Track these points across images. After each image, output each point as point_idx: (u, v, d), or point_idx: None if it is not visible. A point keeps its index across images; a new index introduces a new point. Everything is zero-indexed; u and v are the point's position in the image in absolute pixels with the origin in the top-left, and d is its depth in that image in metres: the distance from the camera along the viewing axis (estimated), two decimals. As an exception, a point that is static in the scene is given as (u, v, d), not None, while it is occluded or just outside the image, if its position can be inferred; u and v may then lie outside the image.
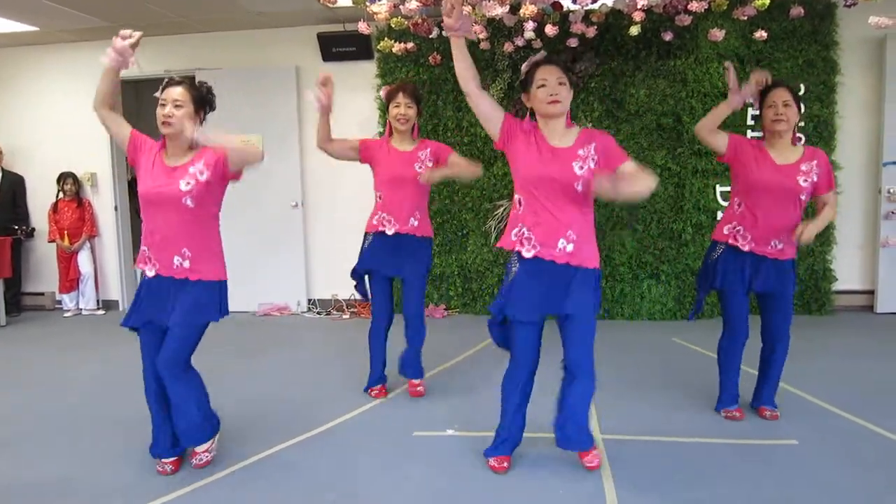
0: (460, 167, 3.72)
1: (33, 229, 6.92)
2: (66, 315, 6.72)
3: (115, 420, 3.63)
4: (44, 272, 7.05)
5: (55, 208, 6.70)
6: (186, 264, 2.81)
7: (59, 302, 6.94)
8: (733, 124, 5.67)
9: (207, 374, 3.05)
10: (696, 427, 3.28)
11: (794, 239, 3.11)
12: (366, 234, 3.82)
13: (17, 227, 6.70)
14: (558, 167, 2.65)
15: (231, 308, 3.02)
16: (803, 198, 3.15)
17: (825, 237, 5.74)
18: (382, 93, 3.89)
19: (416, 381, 3.93)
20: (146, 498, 2.72)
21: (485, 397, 3.87)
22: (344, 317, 6.31)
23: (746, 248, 3.21)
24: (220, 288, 2.92)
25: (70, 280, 6.70)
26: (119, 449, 3.23)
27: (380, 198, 3.76)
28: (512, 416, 2.88)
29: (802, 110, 5.58)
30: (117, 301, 6.98)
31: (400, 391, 3.98)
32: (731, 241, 3.26)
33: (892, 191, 5.68)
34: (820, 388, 3.77)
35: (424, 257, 3.82)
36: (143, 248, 2.88)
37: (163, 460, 2.96)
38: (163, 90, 2.83)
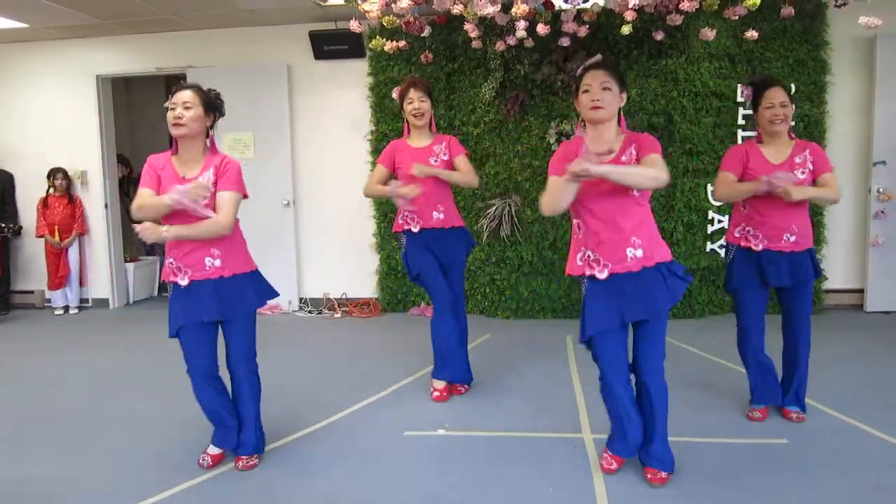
0: (459, 174, 3.71)
1: (21, 227, 6.86)
2: (56, 313, 6.68)
3: (104, 419, 3.62)
4: (33, 270, 7.00)
5: (45, 203, 6.64)
6: (218, 263, 2.83)
7: (49, 300, 6.90)
8: (724, 123, 5.70)
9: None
10: (685, 426, 3.29)
11: (780, 192, 3.03)
12: (396, 234, 3.82)
13: (4, 225, 6.65)
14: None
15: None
16: None
17: (816, 236, 5.77)
18: (395, 93, 3.88)
19: (459, 385, 3.91)
20: (137, 497, 2.71)
21: (476, 396, 3.88)
22: (335, 316, 6.30)
23: (760, 248, 3.22)
24: (256, 275, 2.98)
25: (60, 277, 6.66)
26: (108, 448, 3.22)
27: None
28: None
29: (793, 109, 5.70)
30: (107, 299, 6.94)
31: (391, 391, 3.97)
32: (742, 243, 3.27)
33: (881, 190, 5.71)
34: (810, 387, 3.76)
35: (458, 245, 3.79)
36: (168, 260, 2.87)
37: (209, 452, 3.03)
38: (172, 95, 2.83)
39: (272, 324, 6.03)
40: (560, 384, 4.03)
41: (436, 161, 3.69)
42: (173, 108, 2.80)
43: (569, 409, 3.61)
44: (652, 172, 2.50)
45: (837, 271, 5.94)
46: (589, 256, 2.67)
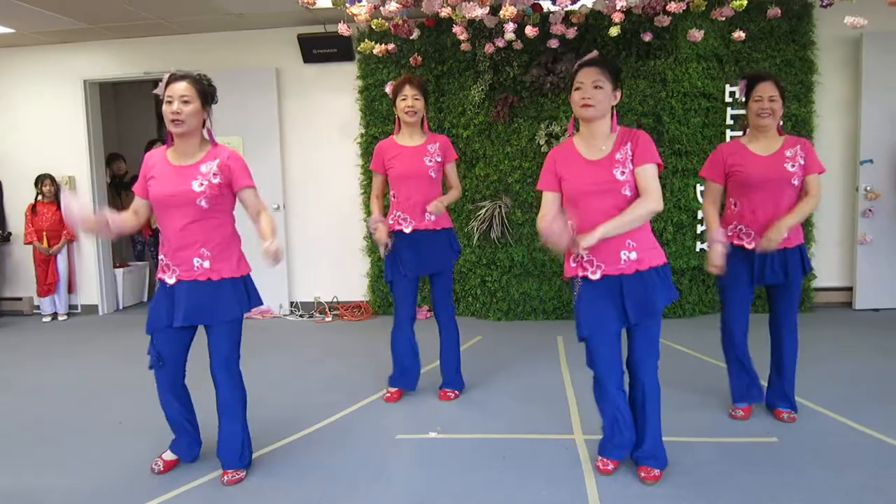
0: (454, 192, 3.78)
1: (10, 234, 6.82)
2: (45, 320, 6.63)
3: (93, 426, 3.59)
4: (21, 276, 6.95)
5: (33, 210, 6.59)
6: (206, 264, 2.73)
7: (38, 307, 6.85)
8: (712, 124, 5.73)
9: (189, 377, 3.01)
10: (676, 426, 3.29)
11: (768, 239, 3.08)
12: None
13: (-7, 232, 6.62)
14: (599, 177, 2.60)
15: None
16: (795, 182, 3.15)
17: (805, 235, 5.78)
18: (388, 88, 3.83)
19: (448, 391, 3.88)
20: (125, 505, 2.70)
21: (467, 399, 3.87)
22: (326, 319, 6.28)
23: (752, 246, 3.21)
24: (245, 281, 2.86)
25: (48, 284, 6.60)
26: (98, 455, 3.20)
27: (394, 196, 3.71)
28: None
29: (782, 105, 5.73)
30: (97, 306, 6.89)
31: (383, 394, 3.96)
32: (735, 241, 3.25)
33: (869, 188, 5.75)
34: (800, 385, 3.78)
35: (448, 249, 3.76)
36: (160, 256, 2.82)
37: (164, 458, 2.99)
38: (166, 86, 2.72)
39: (263, 328, 6.01)
40: (551, 385, 4.03)
41: (430, 161, 3.64)
42: (169, 102, 2.68)
43: (560, 410, 3.62)
44: (644, 210, 2.57)
45: (826, 269, 5.97)
46: (582, 258, 2.66)
